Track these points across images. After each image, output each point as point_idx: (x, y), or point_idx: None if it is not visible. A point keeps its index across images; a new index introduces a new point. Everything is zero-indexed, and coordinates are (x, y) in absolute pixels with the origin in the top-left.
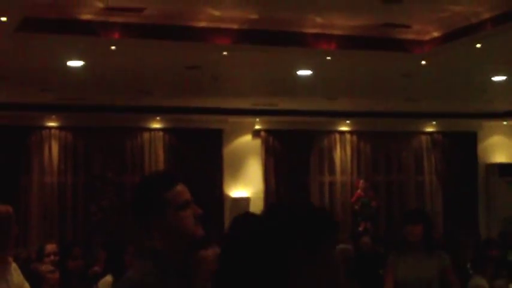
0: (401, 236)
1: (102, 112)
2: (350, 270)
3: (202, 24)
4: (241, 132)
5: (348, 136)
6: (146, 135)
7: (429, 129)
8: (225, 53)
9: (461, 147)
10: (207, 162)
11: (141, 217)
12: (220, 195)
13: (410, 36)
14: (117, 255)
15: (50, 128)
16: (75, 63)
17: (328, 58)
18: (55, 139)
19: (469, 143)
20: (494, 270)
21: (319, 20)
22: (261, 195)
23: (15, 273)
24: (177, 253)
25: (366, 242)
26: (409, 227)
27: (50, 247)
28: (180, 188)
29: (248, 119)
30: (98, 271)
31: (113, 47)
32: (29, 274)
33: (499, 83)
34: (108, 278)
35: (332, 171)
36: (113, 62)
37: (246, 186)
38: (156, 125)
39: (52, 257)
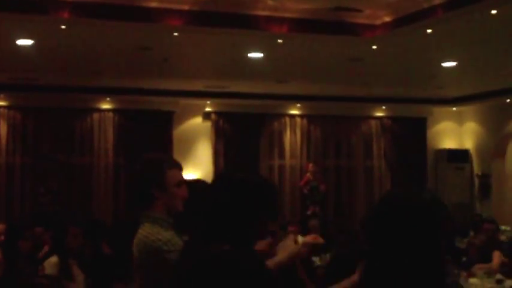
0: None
1: (52, 92)
2: None
3: (153, 4)
4: (191, 114)
5: (298, 120)
6: (96, 116)
7: (379, 114)
8: (175, 34)
9: (411, 132)
10: (156, 144)
11: (146, 191)
12: None
13: (361, 20)
14: (60, 236)
15: None
16: (25, 42)
17: (280, 41)
18: (4, 119)
19: (419, 128)
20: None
21: (270, 2)
22: (210, 177)
23: None
24: (170, 219)
25: (314, 225)
26: None
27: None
28: (177, 169)
29: (199, 101)
30: (44, 252)
31: (63, 26)
32: None
33: (449, 68)
34: (53, 259)
35: (282, 154)
36: (63, 42)
37: (195, 169)
38: (106, 106)
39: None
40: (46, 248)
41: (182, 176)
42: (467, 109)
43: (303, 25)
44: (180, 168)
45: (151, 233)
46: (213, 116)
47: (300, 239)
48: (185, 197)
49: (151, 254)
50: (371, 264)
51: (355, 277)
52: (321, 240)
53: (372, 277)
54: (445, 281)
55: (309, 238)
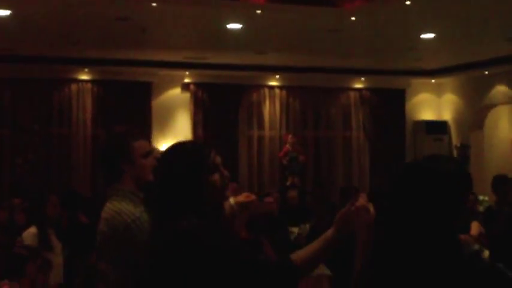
0: None
1: (30, 63)
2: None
3: None
4: (170, 85)
5: (277, 91)
6: (74, 87)
7: (358, 85)
8: (154, 4)
9: (390, 104)
10: (135, 115)
11: (113, 165)
12: None
13: None
14: (39, 207)
15: None
16: (2, 13)
17: (258, 12)
18: None
19: (397, 100)
20: None
21: None
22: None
23: None
24: (139, 191)
25: (293, 196)
26: None
27: None
28: (143, 140)
29: (177, 72)
30: (21, 222)
31: None
32: None
33: (427, 40)
34: (32, 229)
35: (261, 125)
36: (41, 12)
37: (174, 140)
38: (84, 77)
39: None
40: (22, 218)
41: (149, 146)
42: (446, 81)
43: None
44: (146, 139)
45: (120, 208)
46: (192, 87)
47: (232, 200)
48: (154, 166)
49: (119, 230)
50: (391, 227)
51: (328, 233)
52: (252, 197)
53: (390, 241)
54: (462, 251)
55: (240, 197)
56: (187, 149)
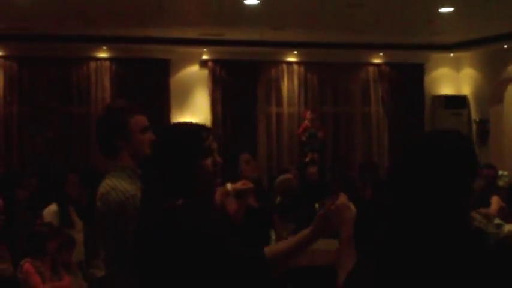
0: None
1: (48, 41)
2: (292, 199)
3: None
4: (188, 62)
5: (295, 67)
6: (92, 64)
7: (376, 60)
8: None
9: (409, 78)
10: (154, 92)
11: (110, 140)
12: None
13: None
14: (59, 184)
15: None
16: None
17: None
18: (0, 68)
19: (416, 74)
20: None
21: None
22: (208, 125)
23: None
24: (137, 167)
25: (312, 172)
26: None
27: None
28: (140, 115)
29: (195, 49)
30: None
31: None
32: None
33: (446, 14)
34: (53, 207)
35: (279, 102)
36: None
37: (192, 117)
38: (103, 55)
39: None
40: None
41: (146, 121)
42: (465, 55)
43: None
44: (143, 113)
45: (116, 184)
46: (210, 63)
47: (229, 185)
48: (152, 141)
49: (112, 206)
50: (397, 202)
51: (306, 232)
52: (249, 185)
53: (398, 215)
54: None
55: (237, 184)
56: (184, 130)
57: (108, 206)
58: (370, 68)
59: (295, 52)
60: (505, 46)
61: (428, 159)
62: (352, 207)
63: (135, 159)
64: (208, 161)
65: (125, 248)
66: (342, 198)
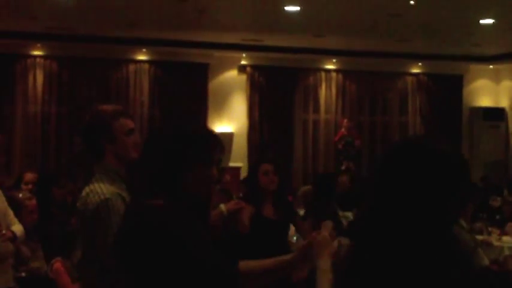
0: None
1: (88, 42)
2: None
3: None
4: (227, 67)
5: (333, 74)
6: (132, 67)
7: (415, 70)
8: None
9: (447, 89)
10: (192, 96)
11: (95, 142)
12: None
13: None
14: None
15: (36, 56)
16: None
17: None
18: (40, 68)
19: (455, 85)
20: (474, 213)
21: None
22: (245, 130)
23: (0, 199)
24: (122, 169)
25: (343, 181)
26: None
27: (29, 176)
28: (125, 118)
29: (234, 54)
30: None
31: None
32: (8, 201)
33: (486, 26)
34: None
35: (316, 109)
36: None
37: (230, 121)
38: (142, 57)
39: (30, 186)
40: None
41: (131, 124)
42: (504, 67)
43: None
44: (129, 117)
45: (96, 187)
46: (248, 69)
47: (222, 206)
48: (137, 144)
49: (89, 209)
50: (372, 216)
51: (286, 257)
52: (242, 204)
53: (370, 232)
54: (454, 247)
55: (230, 204)
56: (202, 131)
57: (84, 208)
58: (409, 78)
59: (334, 60)
60: None
61: (417, 165)
62: (334, 243)
63: (120, 161)
64: (214, 170)
65: (95, 249)
66: (325, 231)
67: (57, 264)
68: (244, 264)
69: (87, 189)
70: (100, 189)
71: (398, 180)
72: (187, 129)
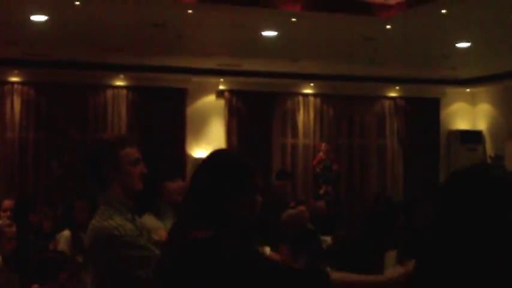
0: None
1: (66, 68)
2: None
3: None
4: (205, 92)
5: (311, 99)
6: (109, 92)
7: (392, 94)
8: (190, 11)
9: (424, 112)
10: (170, 121)
11: (100, 173)
12: (182, 155)
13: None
14: (69, 212)
15: (13, 83)
16: (39, 18)
17: (293, 19)
18: (17, 94)
19: (432, 109)
20: None
21: None
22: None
23: None
24: (129, 200)
25: (320, 206)
26: None
27: (7, 203)
28: (131, 148)
29: (212, 79)
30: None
31: (77, 3)
32: None
33: (463, 49)
34: (66, 232)
35: (295, 133)
36: (77, 18)
37: (208, 146)
38: (120, 83)
39: (8, 213)
40: (49, 226)
41: (137, 154)
42: (481, 90)
43: (317, 4)
44: (135, 146)
45: (102, 217)
46: (226, 94)
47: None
48: (143, 174)
49: (102, 239)
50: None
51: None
52: (163, 236)
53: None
54: None
55: (155, 236)
56: (242, 158)
57: (96, 240)
58: (386, 102)
59: (312, 84)
60: None
61: (484, 192)
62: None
63: (125, 191)
64: (259, 198)
65: (102, 281)
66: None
67: None
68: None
69: (93, 223)
70: (106, 222)
71: (468, 209)
72: (228, 158)
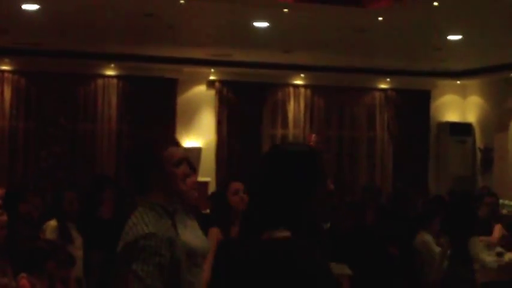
0: None
1: (56, 57)
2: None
3: None
4: (195, 82)
5: (302, 90)
6: (100, 82)
7: (383, 85)
8: (181, 1)
9: (415, 104)
10: (160, 111)
11: (141, 175)
12: None
13: None
14: (57, 202)
15: (3, 71)
16: (30, 7)
17: (285, 10)
18: (8, 83)
19: (423, 101)
20: (440, 228)
21: None
22: (213, 145)
23: None
24: (170, 204)
25: None
26: None
27: None
28: (174, 147)
29: (203, 69)
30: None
31: None
32: None
33: (454, 42)
34: (53, 222)
35: (285, 124)
36: (69, 7)
37: (198, 136)
38: (110, 72)
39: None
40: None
41: (181, 154)
42: (472, 83)
43: None
44: (178, 145)
45: (138, 222)
46: (217, 84)
47: None
48: (186, 174)
49: (130, 244)
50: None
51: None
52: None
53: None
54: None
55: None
56: (308, 152)
57: (125, 243)
58: (377, 93)
59: (302, 75)
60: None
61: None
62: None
63: (168, 195)
64: (324, 187)
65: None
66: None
67: (23, 281)
68: None
69: (130, 223)
70: (145, 224)
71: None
72: (300, 150)
